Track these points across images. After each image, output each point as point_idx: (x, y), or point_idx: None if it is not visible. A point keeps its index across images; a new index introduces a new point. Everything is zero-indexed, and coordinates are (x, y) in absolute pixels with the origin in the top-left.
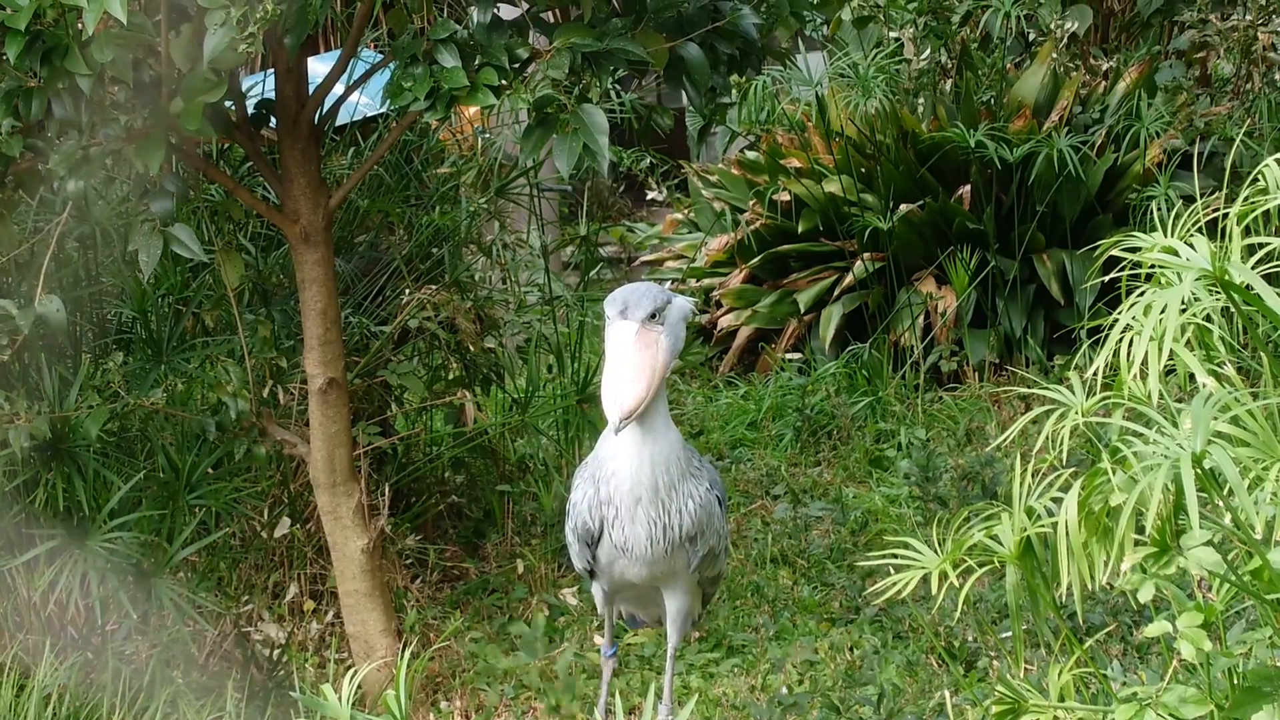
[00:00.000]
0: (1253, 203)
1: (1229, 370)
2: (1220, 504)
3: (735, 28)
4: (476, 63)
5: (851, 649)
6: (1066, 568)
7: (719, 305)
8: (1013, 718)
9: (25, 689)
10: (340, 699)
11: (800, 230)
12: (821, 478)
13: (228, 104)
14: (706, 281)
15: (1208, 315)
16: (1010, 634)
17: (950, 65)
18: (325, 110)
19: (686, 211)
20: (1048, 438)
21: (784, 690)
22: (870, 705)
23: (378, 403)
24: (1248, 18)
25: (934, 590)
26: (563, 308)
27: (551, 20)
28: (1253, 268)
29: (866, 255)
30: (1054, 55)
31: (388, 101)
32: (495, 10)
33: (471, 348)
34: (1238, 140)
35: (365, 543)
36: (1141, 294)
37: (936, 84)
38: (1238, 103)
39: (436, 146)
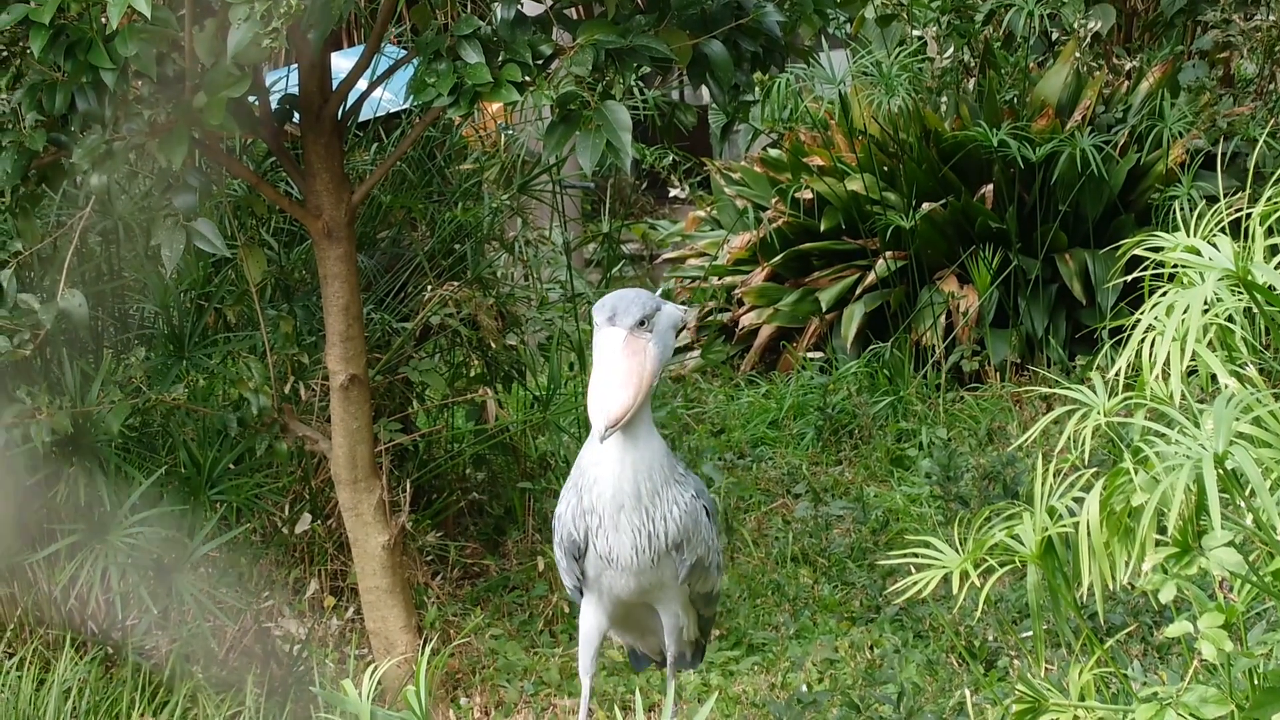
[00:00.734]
0: (1276, 203)
1: (1251, 371)
2: (1242, 504)
3: (759, 25)
4: (500, 59)
5: (872, 648)
6: (1088, 567)
7: (741, 303)
8: (1033, 717)
9: (45, 683)
10: (361, 695)
11: (822, 228)
12: (843, 476)
13: (251, 99)
14: (728, 279)
15: (1230, 316)
16: (1031, 634)
17: (973, 64)
18: (349, 106)
19: (709, 209)
20: (1069, 437)
21: (804, 688)
22: (890, 704)
23: (399, 399)
24: (1271, 18)
25: (955, 589)
26: (585, 305)
27: (575, 17)
28: (1276, 268)
29: (888, 254)
30: (1077, 54)
31: (411, 97)
32: (519, 6)
33: (493, 345)
34: (1261, 141)
35: (386, 539)
36: (1164, 294)
37: (959, 83)
38: (1261, 103)
39: (459, 142)
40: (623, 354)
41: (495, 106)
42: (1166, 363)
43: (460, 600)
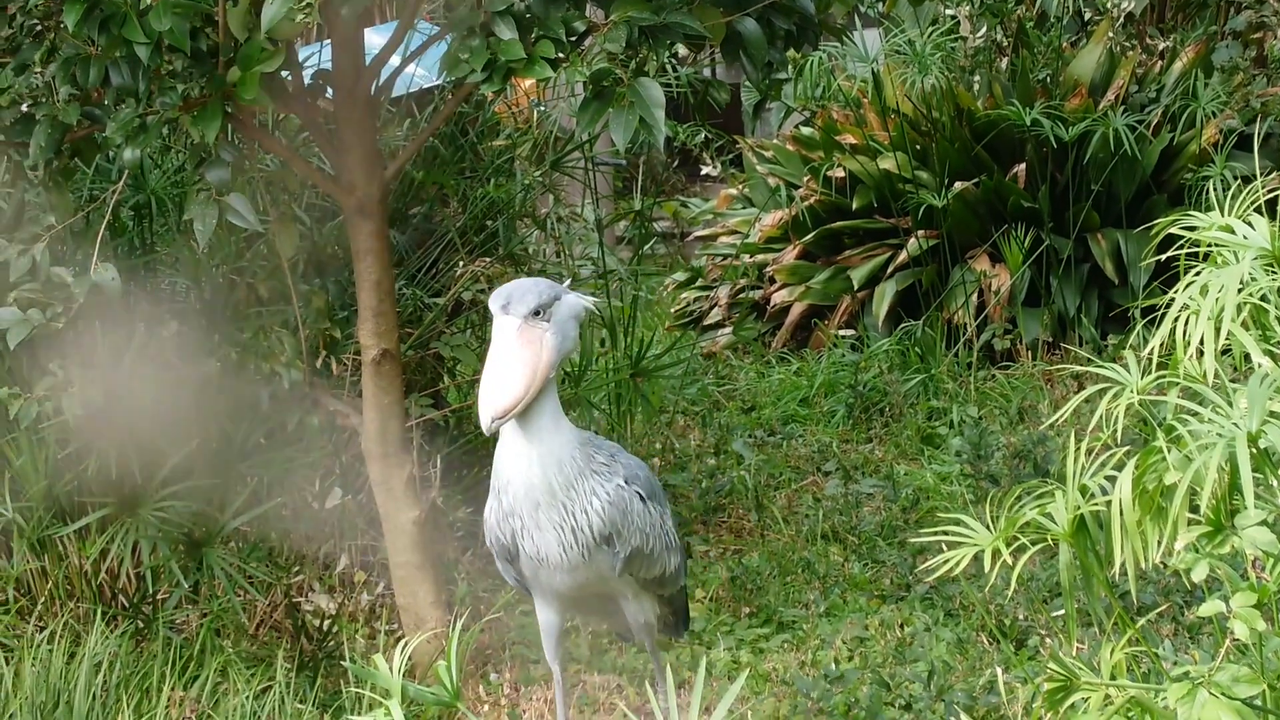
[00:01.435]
0: None
1: None
2: (1275, 483)
3: (792, 3)
4: (533, 35)
5: (902, 626)
6: (1120, 546)
7: (772, 281)
8: (1065, 695)
9: (76, 656)
10: (392, 669)
11: (854, 207)
12: (873, 454)
13: (284, 74)
14: (760, 257)
15: (1264, 295)
16: (1062, 613)
17: (1006, 43)
18: (381, 82)
19: (741, 187)
20: (1101, 416)
21: (833, 666)
22: (920, 682)
23: (430, 375)
24: None
25: (987, 567)
26: (616, 281)
27: None
28: None
29: (920, 233)
30: (1110, 34)
31: (444, 73)
32: None
33: None
34: None
35: (417, 514)
36: (1199, 273)
37: (992, 62)
38: None
39: (492, 119)
40: (515, 344)
41: (528, 83)
42: (1200, 342)
43: (490, 576)
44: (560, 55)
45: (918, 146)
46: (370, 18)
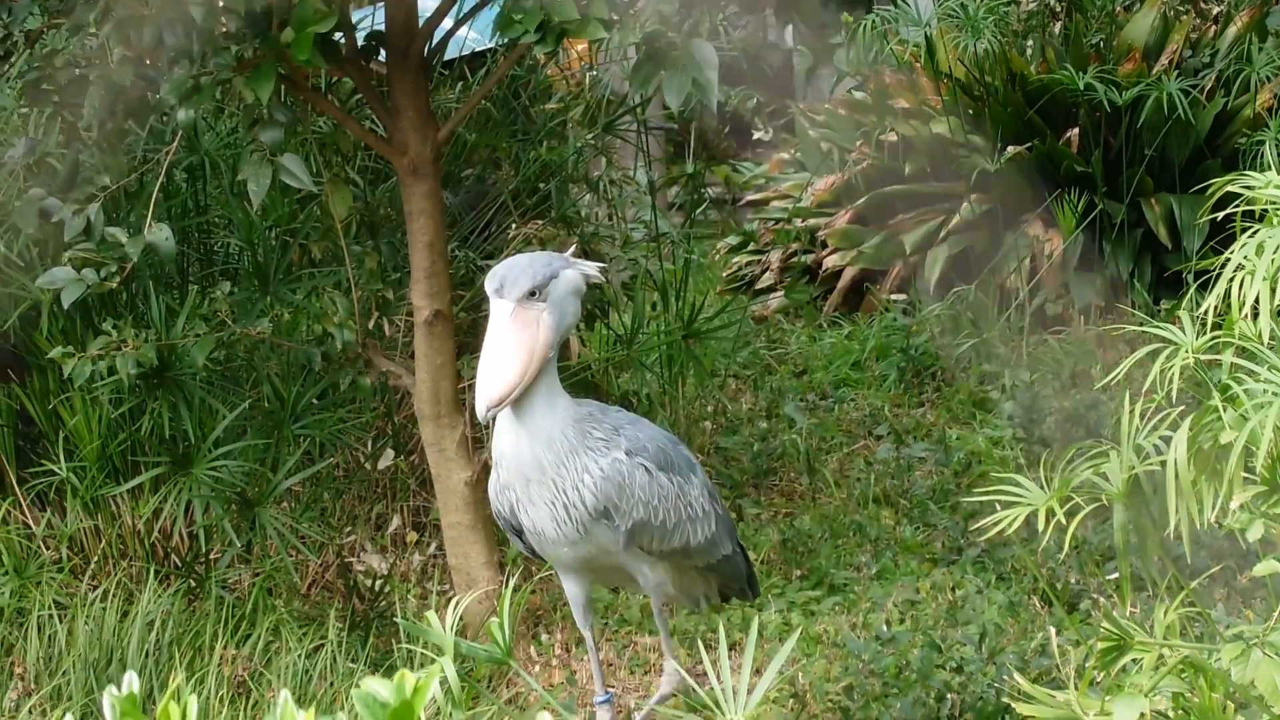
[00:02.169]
0: None
1: None
2: None
3: None
4: None
5: (953, 589)
6: (1174, 506)
7: (824, 245)
8: (1117, 655)
9: (129, 615)
10: (445, 627)
11: (907, 171)
12: (925, 419)
13: (338, 36)
14: (812, 221)
15: None
16: (1115, 576)
17: (1060, 7)
18: (434, 43)
19: (793, 151)
20: (1155, 377)
21: (884, 628)
22: (971, 645)
23: (482, 336)
24: None
25: (1040, 528)
26: (668, 244)
27: None
28: None
29: (973, 197)
30: None
31: (496, 35)
32: None
33: None
34: None
35: (469, 475)
36: (1254, 233)
37: (1046, 26)
38: None
39: (544, 82)
40: (510, 328)
41: (580, 46)
42: (1255, 301)
43: None
44: (614, 16)
45: (970, 111)
46: None
